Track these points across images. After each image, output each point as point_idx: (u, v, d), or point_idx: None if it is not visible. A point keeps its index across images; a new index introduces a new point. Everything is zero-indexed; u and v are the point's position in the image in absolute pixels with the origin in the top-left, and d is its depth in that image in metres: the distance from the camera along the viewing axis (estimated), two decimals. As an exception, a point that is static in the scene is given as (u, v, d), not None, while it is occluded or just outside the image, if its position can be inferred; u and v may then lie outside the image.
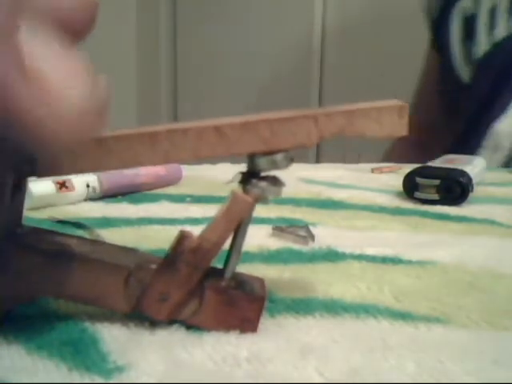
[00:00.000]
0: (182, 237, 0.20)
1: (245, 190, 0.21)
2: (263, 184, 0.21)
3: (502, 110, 0.81)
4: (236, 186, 0.21)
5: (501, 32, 0.83)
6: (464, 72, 0.88)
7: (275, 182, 0.21)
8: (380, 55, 1.47)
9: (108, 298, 0.21)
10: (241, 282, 0.22)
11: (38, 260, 0.21)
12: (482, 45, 0.84)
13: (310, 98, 1.66)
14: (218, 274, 0.21)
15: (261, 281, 0.23)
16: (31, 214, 0.39)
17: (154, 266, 0.21)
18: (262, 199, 0.21)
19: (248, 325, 0.21)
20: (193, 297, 0.21)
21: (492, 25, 0.84)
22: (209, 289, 0.21)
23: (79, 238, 0.23)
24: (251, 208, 0.21)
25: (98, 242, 0.24)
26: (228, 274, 0.21)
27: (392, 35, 1.44)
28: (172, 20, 2.01)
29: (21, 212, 0.23)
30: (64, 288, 0.21)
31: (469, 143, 0.82)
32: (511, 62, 0.82)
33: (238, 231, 0.21)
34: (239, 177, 0.21)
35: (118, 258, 0.21)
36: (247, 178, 0.21)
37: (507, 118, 0.80)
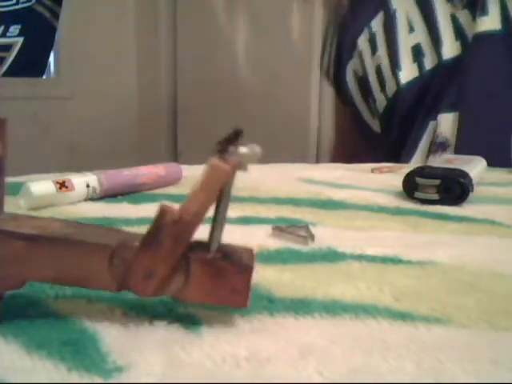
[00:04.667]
0: (163, 211, 0.20)
1: (222, 159, 0.20)
2: (240, 151, 0.20)
3: (410, 154, 0.88)
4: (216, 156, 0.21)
5: (391, 87, 0.91)
6: (374, 124, 0.98)
7: (254, 148, 0.21)
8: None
9: (94, 278, 0.21)
10: (228, 252, 0.21)
11: (19, 244, 0.20)
12: (380, 101, 0.93)
13: (310, 100, 1.65)
14: (203, 246, 0.21)
15: (249, 251, 0.22)
16: (31, 214, 0.39)
17: (137, 243, 0.20)
18: (240, 166, 0.20)
19: (237, 297, 0.21)
20: (179, 271, 0.21)
21: (382, 82, 0.92)
22: (195, 261, 0.21)
23: (61, 220, 0.23)
24: (230, 176, 0.20)
25: (80, 225, 0.23)
26: (214, 246, 0.21)
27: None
28: (172, 20, 2.01)
29: (1, 198, 0.22)
30: (48, 271, 0.21)
31: None
32: (409, 112, 0.90)
33: (220, 201, 0.21)
34: (217, 146, 0.20)
35: (101, 238, 0.21)
36: (224, 147, 0.20)
37: (414, 161, 0.87)
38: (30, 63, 1.90)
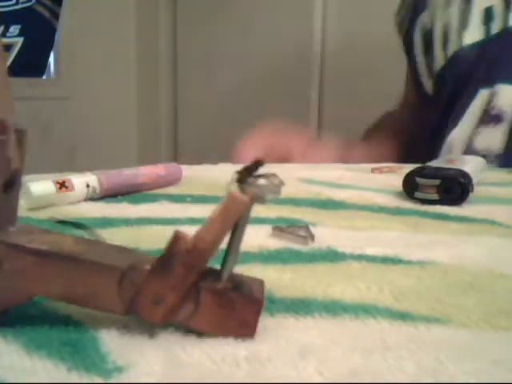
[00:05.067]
0: (177, 237, 0.20)
1: (242, 190, 0.20)
2: (260, 183, 0.20)
3: (456, 121, 0.84)
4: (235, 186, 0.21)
5: (453, 47, 0.87)
6: (427, 84, 0.93)
7: (274, 180, 0.20)
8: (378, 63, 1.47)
9: (102, 299, 0.21)
10: (238, 283, 0.21)
11: (30, 260, 0.20)
12: (439, 59, 0.89)
13: (310, 99, 1.65)
14: (215, 275, 0.21)
15: (260, 282, 0.22)
16: (31, 214, 0.39)
17: (147, 267, 0.20)
18: (259, 199, 0.20)
19: (246, 329, 0.21)
20: (189, 299, 0.20)
21: (446, 40, 0.88)
22: (205, 291, 0.21)
23: (74, 237, 0.23)
24: (248, 208, 0.20)
25: (93, 242, 0.23)
26: (225, 276, 0.21)
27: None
28: (172, 20, 2.01)
29: (15, 211, 0.22)
30: (57, 288, 0.21)
31: (427, 153, 0.84)
32: (464, 76, 0.86)
33: (236, 231, 0.21)
34: (236, 176, 0.20)
35: (112, 259, 0.21)
36: (244, 176, 0.20)
37: (459, 128, 0.83)
38: (30, 63, 1.90)
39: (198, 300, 0.21)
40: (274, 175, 0.21)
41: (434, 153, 0.84)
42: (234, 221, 0.20)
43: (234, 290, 0.21)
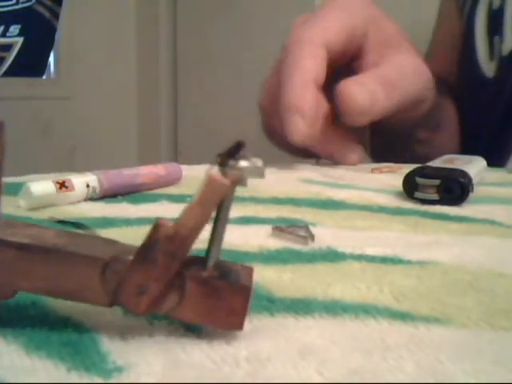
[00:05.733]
0: (157, 225, 0.19)
1: (223, 173, 0.19)
2: (242, 165, 0.19)
3: None
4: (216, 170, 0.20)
5: None
6: (488, 67, 0.86)
7: (255, 162, 0.20)
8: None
9: (86, 291, 0.20)
10: (225, 271, 0.21)
11: (10, 254, 0.20)
12: (509, 41, 0.82)
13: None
14: (200, 263, 0.20)
15: (248, 269, 0.22)
16: (31, 214, 0.39)
17: (130, 257, 0.20)
18: (240, 181, 0.19)
19: (234, 318, 0.20)
20: (173, 289, 0.20)
21: None
22: (190, 280, 0.20)
23: (56, 230, 0.22)
24: (229, 191, 0.19)
25: (76, 234, 0.22)
26: (210, 263, 0.20)
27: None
28: (172, 20, 2.01)
29: None
30: (40, 282, 0.20)
31: (497, 148, 0.81)
32: None
33: (219, 216, 0.20)
34: (217, 159, 0.20)
35: (95, 250, 0.20)
36: (225, 160, 0.19)
37: None
38: (30, 63, 1.90)
39: (183, 289, 0.20)
40: (255, 158, 0.20)
41: (502, 146, 0.80)
42: (216, 205, 0.20)
43: (220, 279, 0.20)
